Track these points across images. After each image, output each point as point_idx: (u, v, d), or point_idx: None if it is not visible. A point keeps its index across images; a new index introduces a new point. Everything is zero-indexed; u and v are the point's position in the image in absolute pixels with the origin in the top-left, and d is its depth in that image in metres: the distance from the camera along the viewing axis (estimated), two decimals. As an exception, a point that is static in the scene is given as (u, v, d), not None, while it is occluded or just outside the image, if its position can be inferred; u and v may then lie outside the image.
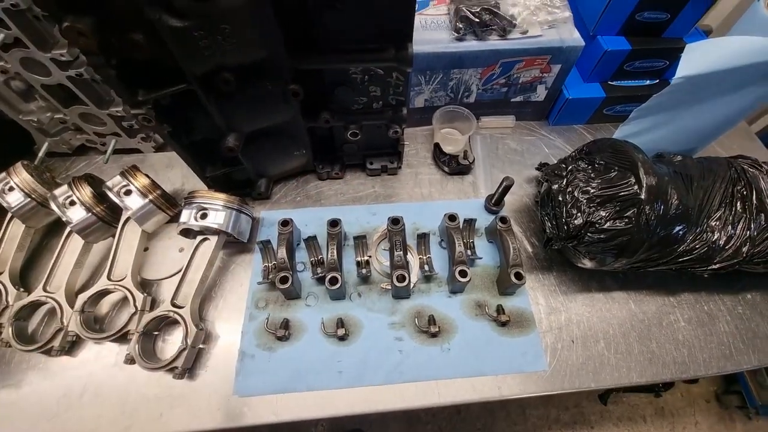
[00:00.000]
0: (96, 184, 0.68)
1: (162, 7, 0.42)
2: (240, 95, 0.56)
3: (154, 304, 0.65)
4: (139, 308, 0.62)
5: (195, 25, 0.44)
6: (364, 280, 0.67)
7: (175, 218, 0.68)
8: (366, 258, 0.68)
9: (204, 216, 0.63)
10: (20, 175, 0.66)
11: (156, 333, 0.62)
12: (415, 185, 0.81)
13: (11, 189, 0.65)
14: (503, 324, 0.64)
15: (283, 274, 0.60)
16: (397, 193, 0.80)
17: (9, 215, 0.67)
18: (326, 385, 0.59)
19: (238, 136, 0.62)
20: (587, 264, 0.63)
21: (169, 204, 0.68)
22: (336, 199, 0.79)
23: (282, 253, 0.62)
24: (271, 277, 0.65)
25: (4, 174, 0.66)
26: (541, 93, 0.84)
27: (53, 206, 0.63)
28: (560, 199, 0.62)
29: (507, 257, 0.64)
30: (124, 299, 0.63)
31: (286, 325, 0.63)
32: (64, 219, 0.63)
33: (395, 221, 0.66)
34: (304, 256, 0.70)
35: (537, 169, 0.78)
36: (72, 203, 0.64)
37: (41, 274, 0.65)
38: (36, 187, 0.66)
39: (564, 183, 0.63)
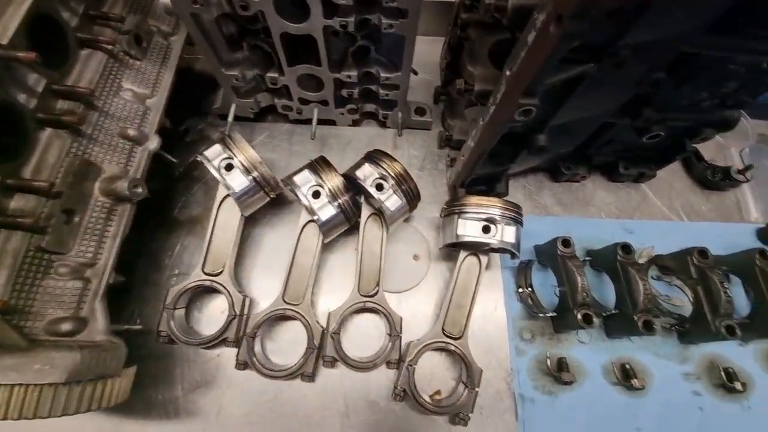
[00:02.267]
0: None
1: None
2: (607, 80, 0.41)
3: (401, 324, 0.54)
4: (397, 333, 0.51)
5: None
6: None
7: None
8: (653, 307, 0.56)
9: (487, 230, 0.50)
10: (243, 150, 0.51)
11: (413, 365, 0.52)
12: (665, 199, 0.68)
13: (230, 168, 0.51)
14: (813, 386, 0.54)
15: (586, 312, 0.49)
16: (647, 207, 0.67)
17: (219, 200, 0.54)
18: (624, 444, 0.50)
19: (548, 134, 0.47)
20: None
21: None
22: (575, 207, 0.66)
23: (583, 282, 0.50)
24: (534, 308, 0.54)
25: (219, 147, 0.52)
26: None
27: (300, 196, 0.50)
28: None
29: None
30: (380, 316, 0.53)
31: (563, 365, 0.53)
32: (314, 217, 0.50)
33: (703, 253, 0.54)
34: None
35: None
36: (317, 195, 0.51)
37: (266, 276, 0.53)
38: (259, 167, 0.52)
39: None
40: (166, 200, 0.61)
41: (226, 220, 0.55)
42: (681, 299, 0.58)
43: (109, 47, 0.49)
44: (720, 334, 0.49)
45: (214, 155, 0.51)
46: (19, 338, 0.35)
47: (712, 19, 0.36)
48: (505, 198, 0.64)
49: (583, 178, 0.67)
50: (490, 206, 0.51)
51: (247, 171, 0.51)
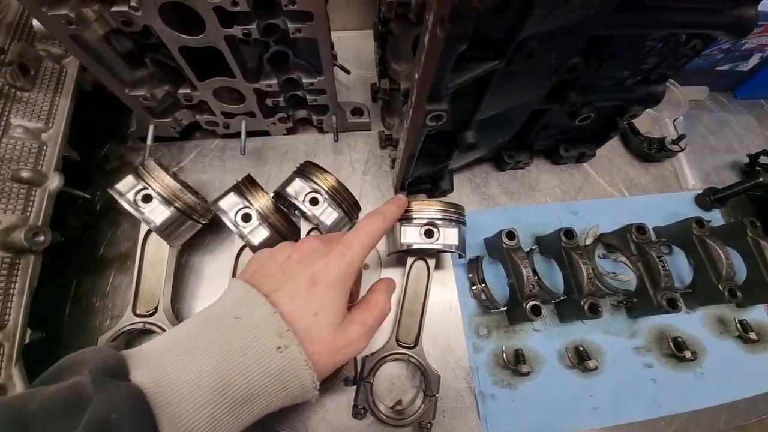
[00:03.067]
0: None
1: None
2: (521, 72, 0.39)
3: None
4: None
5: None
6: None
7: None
8: (596, 290, 0.56)
9: (430, 234, 0.49)
10: (159, 179, 0.47)
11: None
12: (606, 176, 0.69)
13: (148, 199, 0.47)
14: (752, 342, 0.57)
15: (534, 303, 0.49)
16: (591, 186, 0.67)
17: (143, 234, 0.50)
18: (583, 425, 0.51)
19: (476, 129, 0.46)
20: None
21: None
22: (521, 194, 0.66)
23: (528, 273, 0.50)
24: (488, 303, 0.54)
25: (132, 178, 0.47)
26: (751, 63, 0.71)
27: (228, 223, 0.47)
28: None
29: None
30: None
31: (519, 356, 0.53)
32: (247, 241, 0.47)
33: (640, 229, 0.55)
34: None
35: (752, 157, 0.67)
36: (246, 218, 0.48)
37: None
38: (180, 194, 0.48)
39: None
40: (90, 238, 0.56)
41: (155, 254, 0.51)
42: (627, 275, 0.59)
43: (-16, 81, 0.43)
44: (663, 308, 0.50)
45: (127, 188, 0.47)
46: None
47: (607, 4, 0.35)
48: (447, 196, 0.63)
49: (526, 165, 0.66)
50: (430, 210, 0.49)
51: (167, 201, 0.47)
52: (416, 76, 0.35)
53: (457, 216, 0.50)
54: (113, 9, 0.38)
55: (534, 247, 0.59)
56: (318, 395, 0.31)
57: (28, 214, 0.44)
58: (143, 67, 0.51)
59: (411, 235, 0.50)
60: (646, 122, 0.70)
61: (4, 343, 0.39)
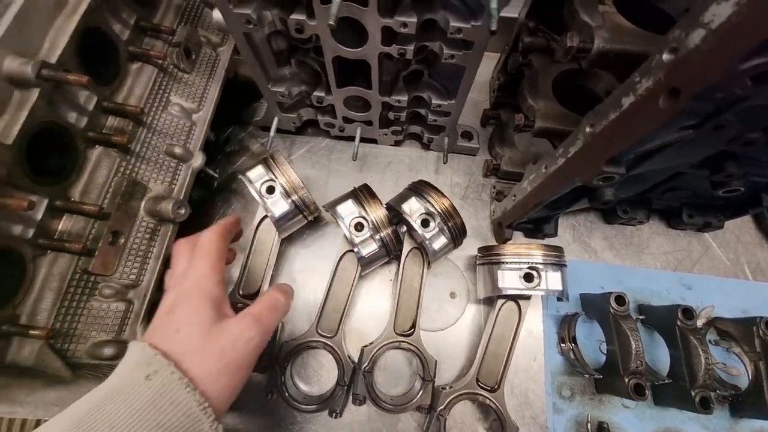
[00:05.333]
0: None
1: None
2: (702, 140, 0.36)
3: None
4: (431, 377, 0.49)
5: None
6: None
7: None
8: (712, 383, 0.50)
9: (530, 278, 0.47)
10: (286, 174, 0.50)
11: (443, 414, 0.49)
12: (730, 253, 0.62)
13: (272, 190, 0.50)
14: None
15: (638, 381, 0.45)
16: (710, 261, 0.61)
17: (257, 220, 0.53)
18: None
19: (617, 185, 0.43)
20: None
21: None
22: (627, 254, 0.61)
23: (638, 347, 0.46)
24: (576, 365, 0.50)
25: (262, 168, 0.50)
26: None
27: (343, 229, 0.48)
28: None
29: None
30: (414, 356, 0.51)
31: (604, 430, 0.49)
32: (354, 250, 0.48)
33: (775, 327, 0.49)
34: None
35: None
36: (359, 227, 0.49)
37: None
38: (299, 191, 0.50)
39: None
40: (204, 213, 0.61)
41: (264, 242, 0.54)
42: (738, 369, 0.53)
43: (160, 61, 0.48)
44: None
45: (256, 177, 0.50)
46: (62, 367, 0.35)
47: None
48: (546, 239, 0.60)
49: (640, 223, 0.61)
50: (530, 254, 0.47)
51: (287, 194, 0.50)
52: (588, 129, 0.34)
53: (558, 259, 0.48)
54: (292, 16, 0.40)
55: (639, 317, 0.54)
56: (220, 428, 0.28)
57: (173, 186, 0.48)
58: (288, 66, 0.54)
59: (510, 280, 0.48)
60: (790, 201, 0.62)
61: (135, 300, 0.43)
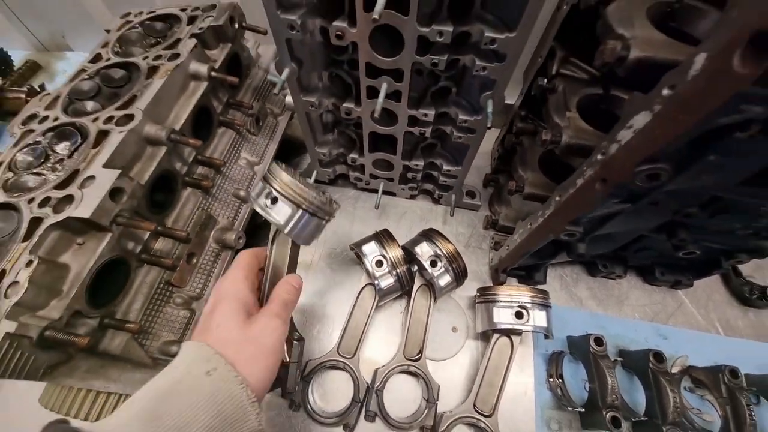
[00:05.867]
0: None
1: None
2: (646, 212, 0.47)
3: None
4: (434, 400, 0.56)
5: None
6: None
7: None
8: (681, 420, 0.57)
9: (520, 315, 0.56)
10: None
11: (445, 432, 0.56)
12: (701, 308, 0.70)
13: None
14: None
15: (614, 414, 0.52)
16: (683, 315, 0.69)
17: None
18: None
19: (587, 242, 0.54)
20: None
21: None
22: (609, 303, 0.69)
23: (613, 383, 0.54)
24: (563, 399, 0.57)
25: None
26: None
27: (366, 265, 0.59)
28: None
29: None
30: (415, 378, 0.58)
31: (588, 463, 0.55)
32: (374, 282, 0.58)
33: (734, 373, 0.56)
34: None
35: None
36: (379, 264, 0.59)
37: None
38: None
39: None
40: (251, 242, 0.73)
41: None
42: (711, 415, 0.58)
43: (238, 127, 0.63)
44: (749, 460, 0.49)
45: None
46: (144, 356, 0.44)
47: (743, 178, 0.42)
48: (536, 285, 0.70)
49: (618, 277, 0.71)
50: (521, 294, 0.57)
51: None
52: (557, 198, 0.46)
53: (543, 300, 0.57)
54: (334, 23, 0.46)
55: (619, 359, 0.61)
56: (262, 418, 0.33)
57: (235, 221, 0.60)
58: (331, 134, 0.69)
59: (503, 316, 0.57)
60: (750, 266, 0.71)
61: (197, 310, 0.53)
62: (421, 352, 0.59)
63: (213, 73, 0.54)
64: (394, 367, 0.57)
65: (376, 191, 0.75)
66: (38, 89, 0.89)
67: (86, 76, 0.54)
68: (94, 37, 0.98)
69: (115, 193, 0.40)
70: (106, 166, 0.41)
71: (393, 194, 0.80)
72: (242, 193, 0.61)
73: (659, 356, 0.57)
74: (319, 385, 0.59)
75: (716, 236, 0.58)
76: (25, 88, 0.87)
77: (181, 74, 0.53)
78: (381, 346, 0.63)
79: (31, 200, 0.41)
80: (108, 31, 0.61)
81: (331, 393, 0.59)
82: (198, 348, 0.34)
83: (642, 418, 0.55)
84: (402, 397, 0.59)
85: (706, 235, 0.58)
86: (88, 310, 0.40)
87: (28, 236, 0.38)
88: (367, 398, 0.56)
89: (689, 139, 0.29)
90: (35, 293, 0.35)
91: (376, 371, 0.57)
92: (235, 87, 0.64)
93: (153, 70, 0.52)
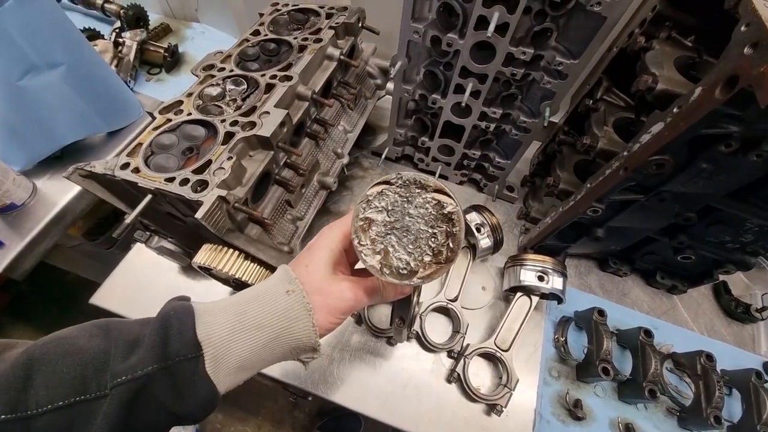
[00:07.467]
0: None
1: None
2: (652, 207, 0.62)
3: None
4: (463, 333, 0.71)
5: None
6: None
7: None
8: (659, 380, 0.70)
9: (541, 279, 0.71)
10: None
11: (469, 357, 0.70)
12: (691, 313, 0.83)
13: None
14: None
15: (606, 366, 0.66)
16: (675, 315, 0.82)
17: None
18: (615, 483, 0.63)
19: (605, 230, 0.69)
20: None
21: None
22: (613, 294, 0.83)
23: (608, 344, 0.68)
24: (564, 355, 0.71)
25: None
26: None
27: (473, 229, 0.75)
28: None
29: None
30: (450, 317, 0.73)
31: (578, 404, 0.68)
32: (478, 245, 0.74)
33: (710, 357, 0.69)
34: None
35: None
36: (478, 229, 0.75)
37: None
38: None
39: None
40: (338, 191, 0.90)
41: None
42: (687, 394, 0.71)
43: (344, 101, 0.81)
44: (709, 421, 0.62)
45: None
46: (272, 243, 0.61)
47: (729, 190, 0.57)
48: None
49: (625, 275, 0.85)
50: (545, 262, 0.72)
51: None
52: (588, 185, 0.61)
53: (562, 270, 0.71)
54: (448, 35, 0.62)
55: (615, 333, 0.75)
56: (320, 346, 0.39)
57: (330, 169, 0.78)
58: (409, 119, 0.86)
59: (528, 276, 0.72)
60: (740, 287, 0.84)
61: (299, 226, 0.70)
62: (456, 298, 0.74)
63: (341, 57, 0.73)
64: (436, 302, 0.73)
65: (433, 173, 0.92)
66: (175, 48, 1.10)
67: (250, 45, 0.73)
68: (220, 13, 1.20)
69: (282, 124, 0.58)
70: (276, 107, 0.60)
71: (446, 178, 0.96)
72: (338, 150, 0.79)
73: (649, 332, 0.70)
74: (377, 308, 0.75)
75: (710, 246, 0.72)
76: (166, 45, 1.08)
77: (321, 54, 0.71)
78: (428, 287, 0.78)
79: (222, 120, 0.59)
80: (261, 15, 0.81)
81: (387, 315, 0.75)
82: (285, 271, 0.41)
83: (627, 377, 0.68)
84: (437, 329, 0.74)
85: (701, 243, 0.72)
86: (250, 201, 0.58)
87: (225, 142, 0.56)
88: (412, 321, 0.71)
89: (686, 139, 0.44)
90: (231, 177, 0.53)
91: (421, 303, 0.73)
92: (347, 70, 0.82)
93: (302, 48, 0.70)
